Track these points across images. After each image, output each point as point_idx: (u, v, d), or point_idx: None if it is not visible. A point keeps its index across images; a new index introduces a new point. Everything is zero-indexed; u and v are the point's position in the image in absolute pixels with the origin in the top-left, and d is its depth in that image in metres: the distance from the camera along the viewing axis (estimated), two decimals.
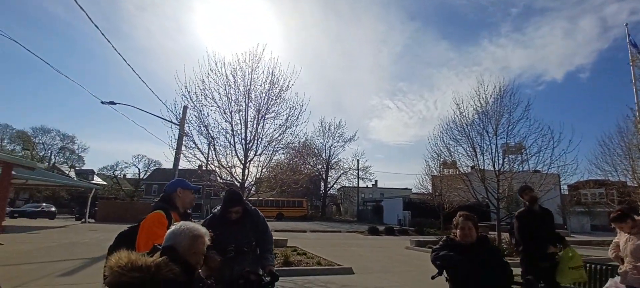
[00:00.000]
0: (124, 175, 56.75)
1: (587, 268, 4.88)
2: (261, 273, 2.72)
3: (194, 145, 9.32)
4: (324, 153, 43.20)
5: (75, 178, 38.15)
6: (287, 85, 9.59)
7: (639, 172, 14.23)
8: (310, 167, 40.21)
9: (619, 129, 14.66)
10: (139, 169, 55.20)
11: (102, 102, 12.35)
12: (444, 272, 2.75)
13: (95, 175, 49.61)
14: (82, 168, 49.93)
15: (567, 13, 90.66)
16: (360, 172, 42.14)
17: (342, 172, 44.02)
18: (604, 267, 4.73)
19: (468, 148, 13.47)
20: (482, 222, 21.80)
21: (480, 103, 13.01)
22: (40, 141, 47.87)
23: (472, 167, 14.22)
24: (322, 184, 45.04)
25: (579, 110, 75.57)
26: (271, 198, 35.78)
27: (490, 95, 12.85)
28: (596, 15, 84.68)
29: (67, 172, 43.23)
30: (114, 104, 12.15)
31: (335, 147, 43.34)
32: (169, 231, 1.73)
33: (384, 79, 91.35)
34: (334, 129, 42.86)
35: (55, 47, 70.48)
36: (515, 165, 12.74)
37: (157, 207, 2.47)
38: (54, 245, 11.13)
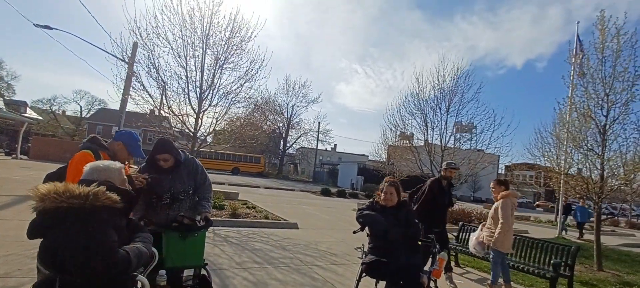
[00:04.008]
0: (64, 111, 51.76)
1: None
2: (197, 218, 2.80)
3: (142, 88, 8.72)
4: (286, 112, 42.85)
5: (4, 109, 34.03)
6: (250, 36, 9.18)
7: (560, 159, 16.24)
8: (270, 123, 39.86)
9: (554, 120, 16.32)
10: (80, 107, 50.64)
11: (35, 25, 10.91)
12: (367, 228, 3.08)
13: (28, 108, 44.49)
14: (13, 98, 44.43)
15: None
16: (320, 135, 42.74)
17: (302, 132, 44.25)
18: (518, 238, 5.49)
19: (421, 123, 14.26)
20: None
21: (438, 80, 13.62)
22: None
23: (426, 141, 15.12)
24: (282, 142, 45.09)
25: (531, 99, 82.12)
26: (228, 152, 35.31)
27: (449, 74, 13.48)
28: (564, 6, 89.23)
29: None
30: (50, 28, 10.79)
31: (298, 106, 43.10)
32: (94, 167, 1.73)
33: (356, 42, 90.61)
34: (299, 88, 42.37)
35: None
36: (463, 142, 13.77)
37: (84, 147, 2.44)
38: None
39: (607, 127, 6.44)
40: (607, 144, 6.42)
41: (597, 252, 6.44)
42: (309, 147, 45.61)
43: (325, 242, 6.82)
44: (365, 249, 3.27)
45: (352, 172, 36.23)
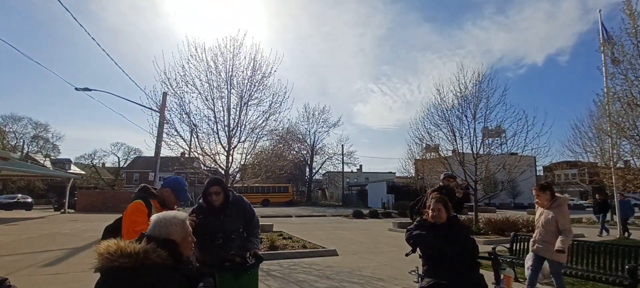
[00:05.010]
0: (103, 163, 55.12)
1: None
2: (247, 255, 2.83)
3: (175, 133, 9.18)
4: (309, 139, 43.39)
5: (51, 168, 36.85)
6: (270, 72, 9.53)
7: (607, 153, 15.08)
8: (295, 152, 40.35)
9: (590, 113, 15.34)
10: (118, 158, 53.80)
11: (76, 89, 11.92)
12: (418, 249, 2.95)
13: (72, 164, 48.00)
14: (58, 157, 48.11)
15: None
16: (345, 157, 42.64)
17: (327, 157, 44.41)
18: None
19: (448, 133, 13.89)
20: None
21: (460, 88, 13.34)
22: (11, 130, 45.41)
23: (453, 151, 14.65)
24: (308, 169, 45.31)
25: (558, 94, 78.37)
26: (257, 185, 35.86)
27: (470, 81, 13.19)
28: None
29: (42, 162, 41.60)
30: (89, 90, 11.75)
31: (319, 132, 43.56)
32: (157, 221, 1.75)
33: (367, 63, 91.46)
34: (318, 114, 42.98)
35: (17, 28, 66.36)
36: (494, 148, 13.21)
37: (136, 197, 2.57)
38: (35, 236, 10.87)
39: None
40: None
41: None
42: (335, 170, 45.47)
43: (368, 266, 6.62)
44: (420, 272, 3.13)
45: (381, 191, 35.48)
